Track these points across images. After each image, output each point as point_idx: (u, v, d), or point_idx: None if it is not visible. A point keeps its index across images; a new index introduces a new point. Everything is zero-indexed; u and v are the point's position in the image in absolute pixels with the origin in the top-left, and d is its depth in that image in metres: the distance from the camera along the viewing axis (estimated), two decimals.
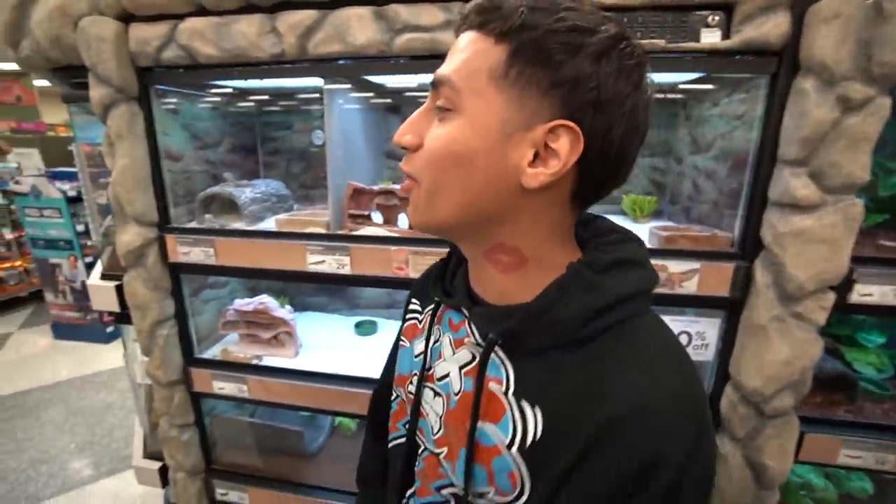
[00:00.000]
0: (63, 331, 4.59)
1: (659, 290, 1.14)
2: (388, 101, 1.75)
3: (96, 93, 1.32)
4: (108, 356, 4.24)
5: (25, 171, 5.63)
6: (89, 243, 4.29)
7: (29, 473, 2.75)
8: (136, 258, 1.46)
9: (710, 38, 1.04)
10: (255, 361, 1.62)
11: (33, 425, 3.22)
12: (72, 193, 4.15)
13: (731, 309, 1.20)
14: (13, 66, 7.77)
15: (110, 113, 1.35)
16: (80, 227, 4.23)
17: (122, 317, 1.59)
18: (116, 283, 1.56)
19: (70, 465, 2.83)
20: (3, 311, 5.29)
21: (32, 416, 3.33)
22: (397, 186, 1.46)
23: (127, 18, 1.30)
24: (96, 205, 1.85)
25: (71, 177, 4.43)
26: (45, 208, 4.18)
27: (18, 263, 5.33)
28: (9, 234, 5.25)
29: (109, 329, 4.46)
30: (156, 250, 1.47)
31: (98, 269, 1.68)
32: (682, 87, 1.49)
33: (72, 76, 1.43)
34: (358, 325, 1.88)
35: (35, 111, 8.32)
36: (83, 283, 4.27)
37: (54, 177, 4.39)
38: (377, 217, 1.47)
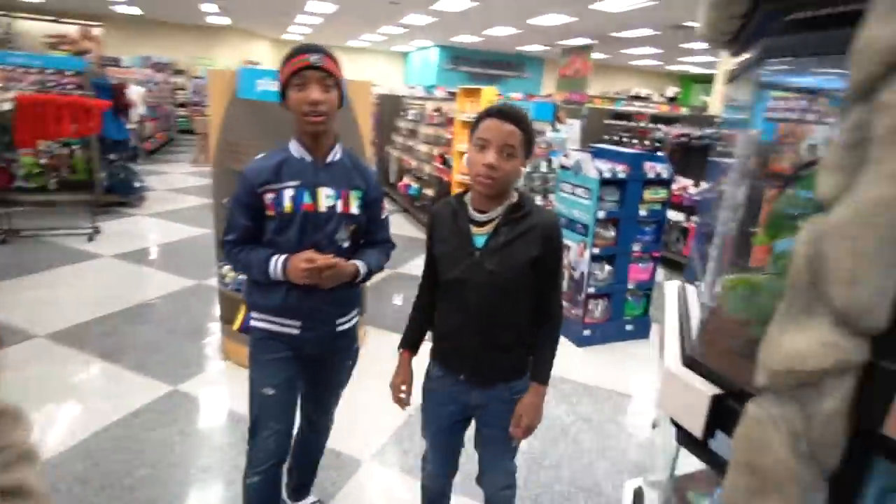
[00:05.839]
0: None
1: None
2: None
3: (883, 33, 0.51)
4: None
5: (569, 143, 5.31)
6: (602, 233, 3.61)
7: None
8: (803, 386, 0.58)
9: None
10: None
11: None
12: (606, 175, 3.42)
13: None
14: (584, 41, 8.19)
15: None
16: (601, 215, 3.49)
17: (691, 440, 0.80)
18: (716, 392, 0.76)
19: None
20: None
21: None
22: None
23: None
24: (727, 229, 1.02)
25: (611, 156, 3.64)
26: (578, 186, 3.60)
27: None
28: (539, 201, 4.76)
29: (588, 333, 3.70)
30: (852, 388, 0.55)
31: (674, 343, 0.92)
32: None
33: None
34: None
35: (585, 82, 8.07)
36: (582, 275, 3.61)
37: (596, 155, 3.63)
38: None
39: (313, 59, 1.40)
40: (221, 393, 2.83)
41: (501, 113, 1.27)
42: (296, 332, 1.55)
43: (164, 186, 7.77)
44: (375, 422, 2.60)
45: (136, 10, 13.88)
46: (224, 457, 2.33)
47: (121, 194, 6.30)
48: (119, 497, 2.05)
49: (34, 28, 13.71)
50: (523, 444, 1.76)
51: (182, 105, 13.58)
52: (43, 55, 7.38)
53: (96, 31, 14.78)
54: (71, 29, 14.58)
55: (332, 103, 1.44)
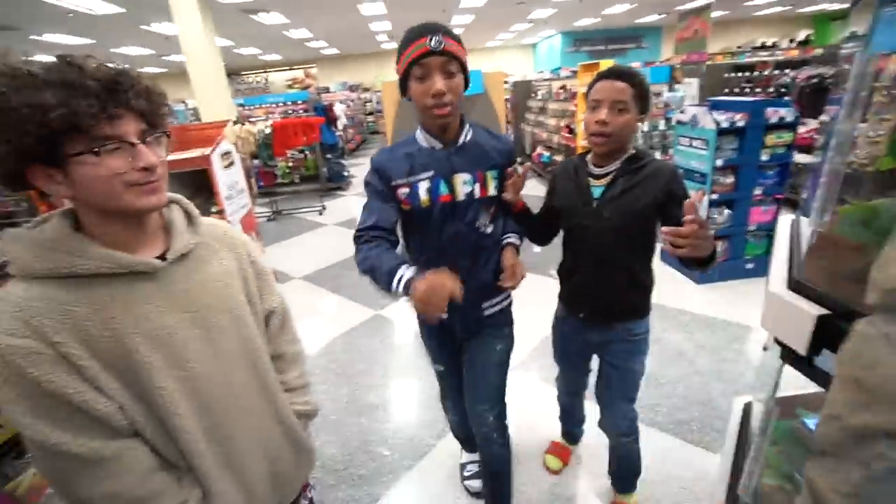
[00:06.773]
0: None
1: None
2: None
3: None
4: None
5: (686, 100, 4.70)
6: (721, 180, 3.03)
7: None
8: None
9: None
10: None
11: None
12: (724, 125, 2.90)
13: None
14: (700, 3, 6.59)
15: None
16: (719, 163, 2.96)
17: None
18: (822, 312, 0.62)
19: None
20: None
21: None
22: None
23: None
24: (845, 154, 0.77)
25: (730, 107, 3.01)
26: (695, 138, 3.09)
27: None
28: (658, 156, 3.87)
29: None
30: None
31: (781, 268, 0.77)
32: None
33: None
34: None
35: (703, 42, 6.64)
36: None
37: (714, 107, 3.06)
38: None
39: (433, 43, 0.97)
40: (408, 316, 3.12)
41: (611, 73, 1.09)
42: (443, 316, 1.13)
43: (363, 174, 8.55)
44: (516, 342, 2.63)
45: (335, 51, 15.28)
46: (412, 360, 2.61)
47: (336, 182, 7.16)
48: (348, 381, 2.45)
49: (278, 77, 16.33)
50: None
51: (370, 114, 14.71)
52: (284, 93, 8.58)
53: (313, 71, 16.75)
54: (298, 73, 16.81)
55: (457, 90, 1.02)
